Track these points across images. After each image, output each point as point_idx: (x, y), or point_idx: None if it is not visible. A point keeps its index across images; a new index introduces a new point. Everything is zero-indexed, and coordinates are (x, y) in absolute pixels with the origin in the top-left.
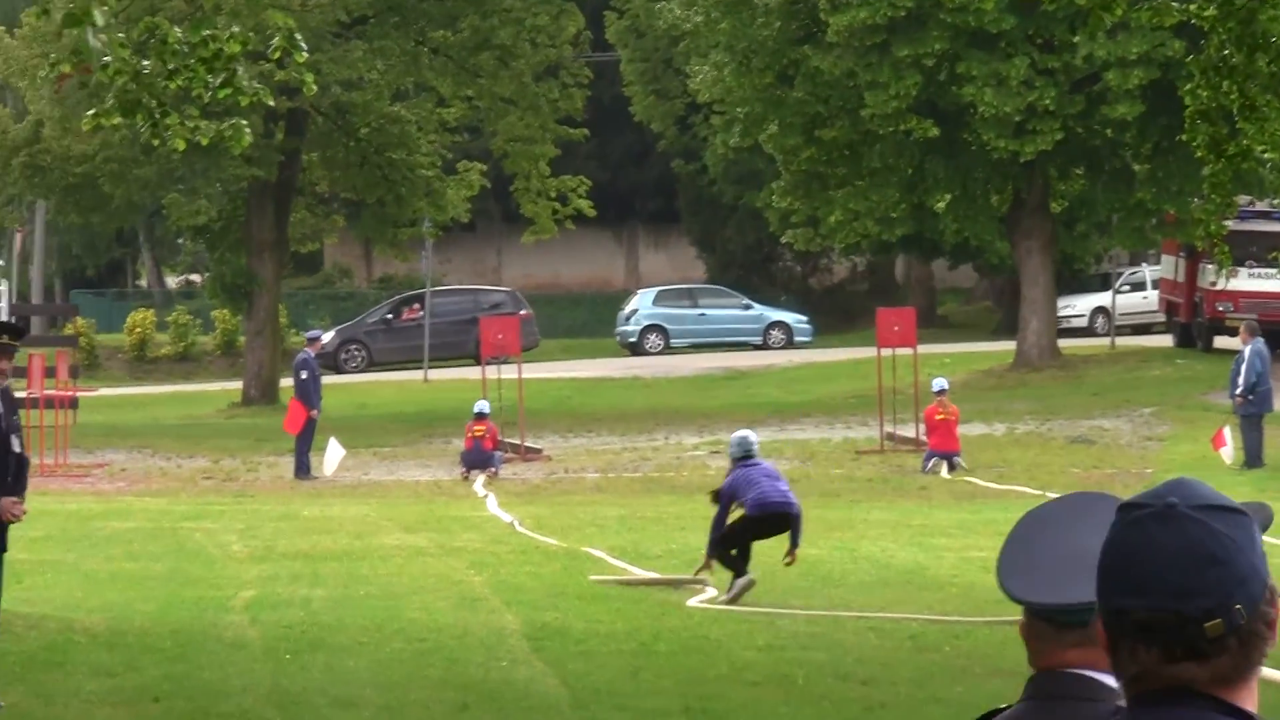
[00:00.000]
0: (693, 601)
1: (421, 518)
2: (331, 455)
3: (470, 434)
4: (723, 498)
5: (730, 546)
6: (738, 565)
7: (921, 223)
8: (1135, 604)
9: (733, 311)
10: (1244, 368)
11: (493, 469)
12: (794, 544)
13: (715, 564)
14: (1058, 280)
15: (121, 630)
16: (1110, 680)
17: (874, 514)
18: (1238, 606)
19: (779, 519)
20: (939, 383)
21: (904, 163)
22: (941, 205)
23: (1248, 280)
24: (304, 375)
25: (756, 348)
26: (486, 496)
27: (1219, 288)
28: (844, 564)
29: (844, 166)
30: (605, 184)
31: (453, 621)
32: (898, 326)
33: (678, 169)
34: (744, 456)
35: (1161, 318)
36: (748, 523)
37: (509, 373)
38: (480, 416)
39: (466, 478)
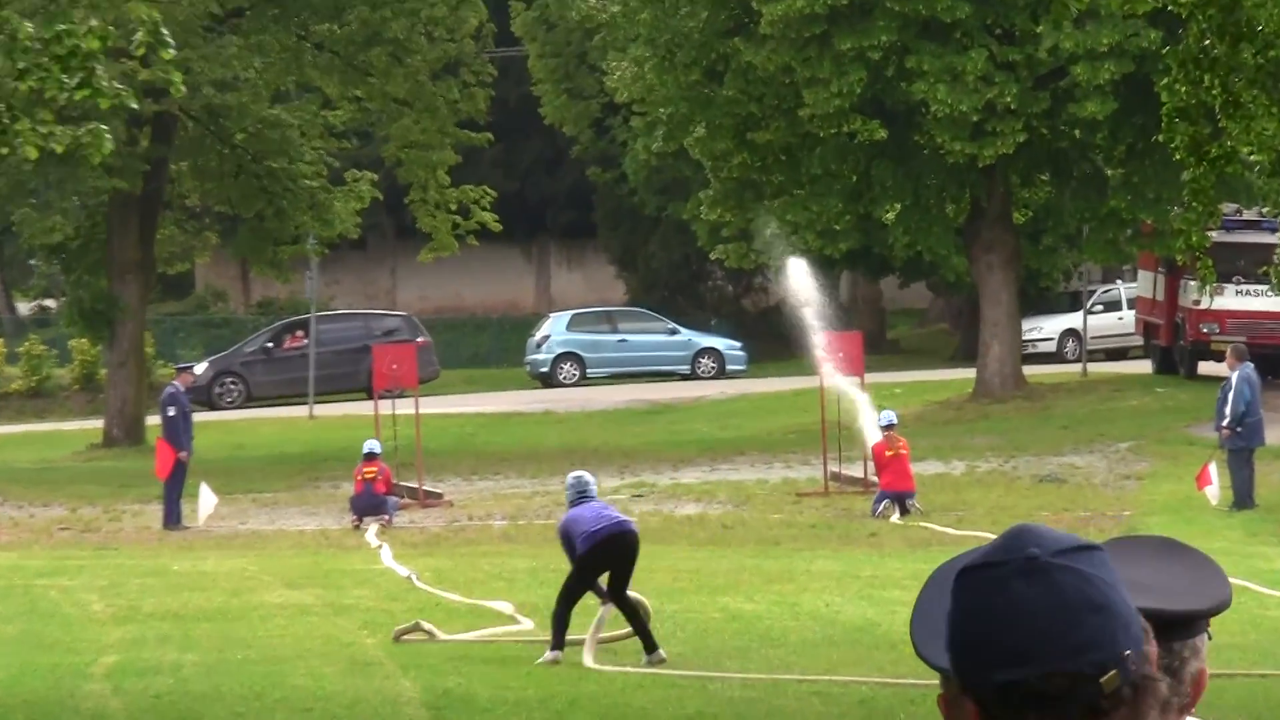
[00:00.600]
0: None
1: (307, 572)
2: (204, 502)
3: (360, 477)
4: (565, 548)
5: (575, 599)
6: (560, 634)
7: (869, 235)
8: (1023, 674)
9: (657, 337)
10: (1231, 396)
11: (386, 516)
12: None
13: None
14: (1022, 300)
15: None
16: None
17: (818, 564)
18: (1127, 652)
19: (613, 540)
20: (886, 416)
21: (848, 169)
22: (890, 216)
23: (1235, 298)
24: (172, 412)
25: (684, 377)
26: (380, 547)
27: (1203, 307)
28: (784, 621)
29: (781, 173)
30: (512, 195)
31: (342, 689)
32: (842, 353)
33: (594, 177)
34: (579, 499)
35: (1139, 341)
36: (582, 562)
37: (405, 407)
38: (371, 457)
39: (358, 526)
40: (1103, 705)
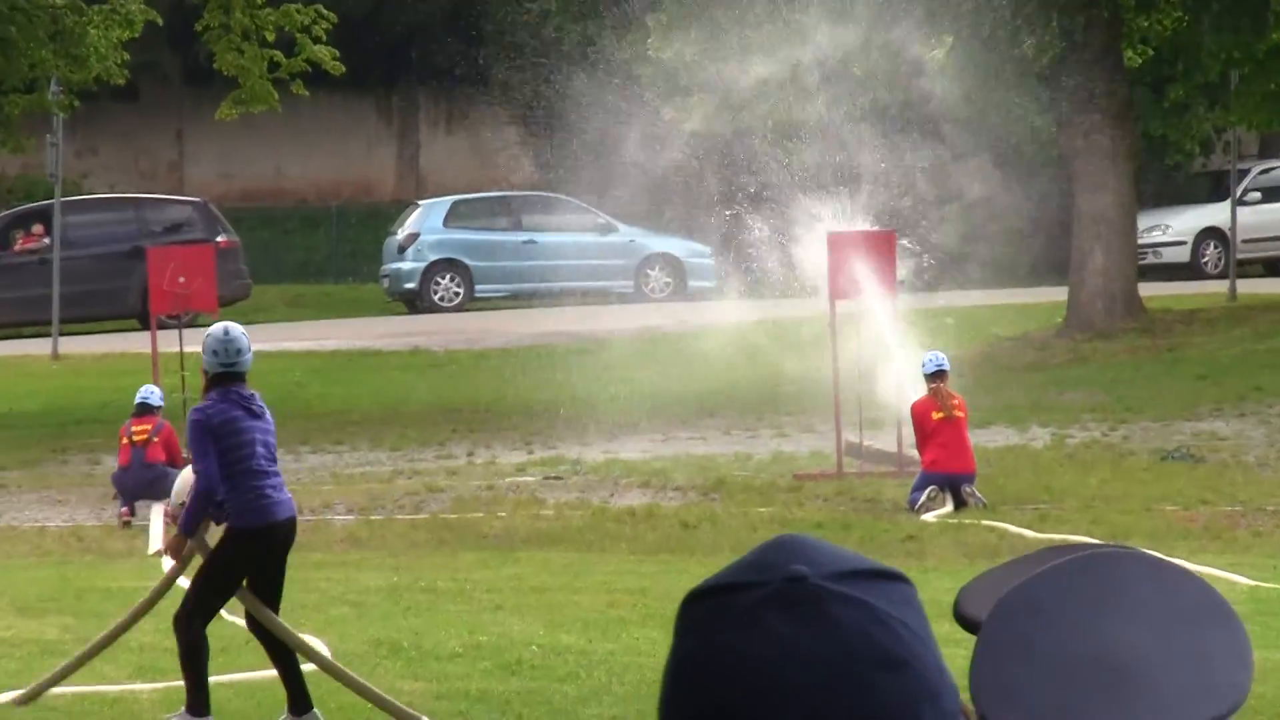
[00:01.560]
0: None
1: (50, 591)
2: None
3: (127, 439)
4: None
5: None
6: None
7: None
8: None
9: (583, 237)
10: None
11: (169, 503)
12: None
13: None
14: (1139, 184)
15: None
16: None
17: None
18: None
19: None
20: (933, 359)
21: None
22: (939, 55)
23: None
24: None
25: (625, 298)
26: (162, 553)
27: None
28: None
29: None
30: (362, 19)
31: None
32: (863, 262)
33: None
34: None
35: None
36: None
37: (198, 341)
38: (145, 410)
39: (128, 520)
40: None
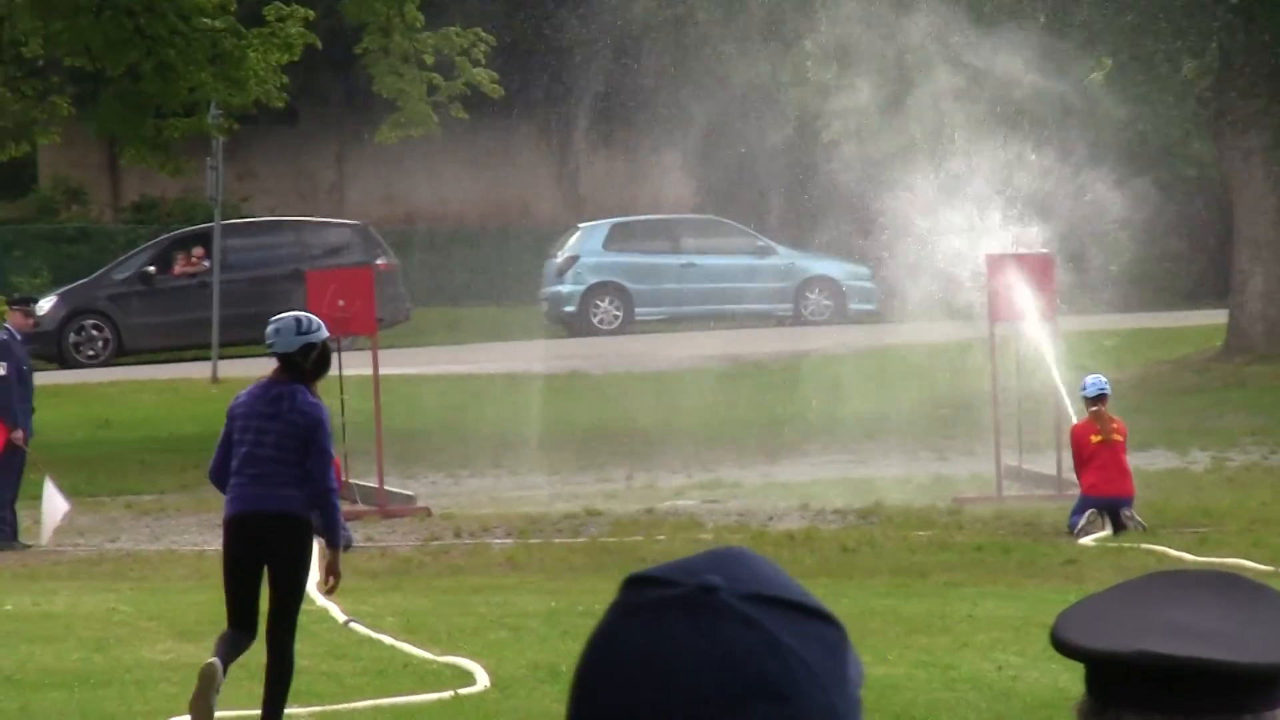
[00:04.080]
0: None
1: (211, 615)
2: (52, 508)
3: None
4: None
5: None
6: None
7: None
8: None
9: (743, 260)
10: None
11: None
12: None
13: None
14: None
15: None
16: None
17: (985, 606)
18: None
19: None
20: (1094, 383)
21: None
22: (1097, 76)
23: None
24: (2, 370)
25: (784, 322)
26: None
27: None
28: (934, 691)
29: None
30: (522, 42)
31: None
32: (1022, 284)
33: (651, 16)
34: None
35: None
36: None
37: (358, 365)
38: None
39: None
40: None
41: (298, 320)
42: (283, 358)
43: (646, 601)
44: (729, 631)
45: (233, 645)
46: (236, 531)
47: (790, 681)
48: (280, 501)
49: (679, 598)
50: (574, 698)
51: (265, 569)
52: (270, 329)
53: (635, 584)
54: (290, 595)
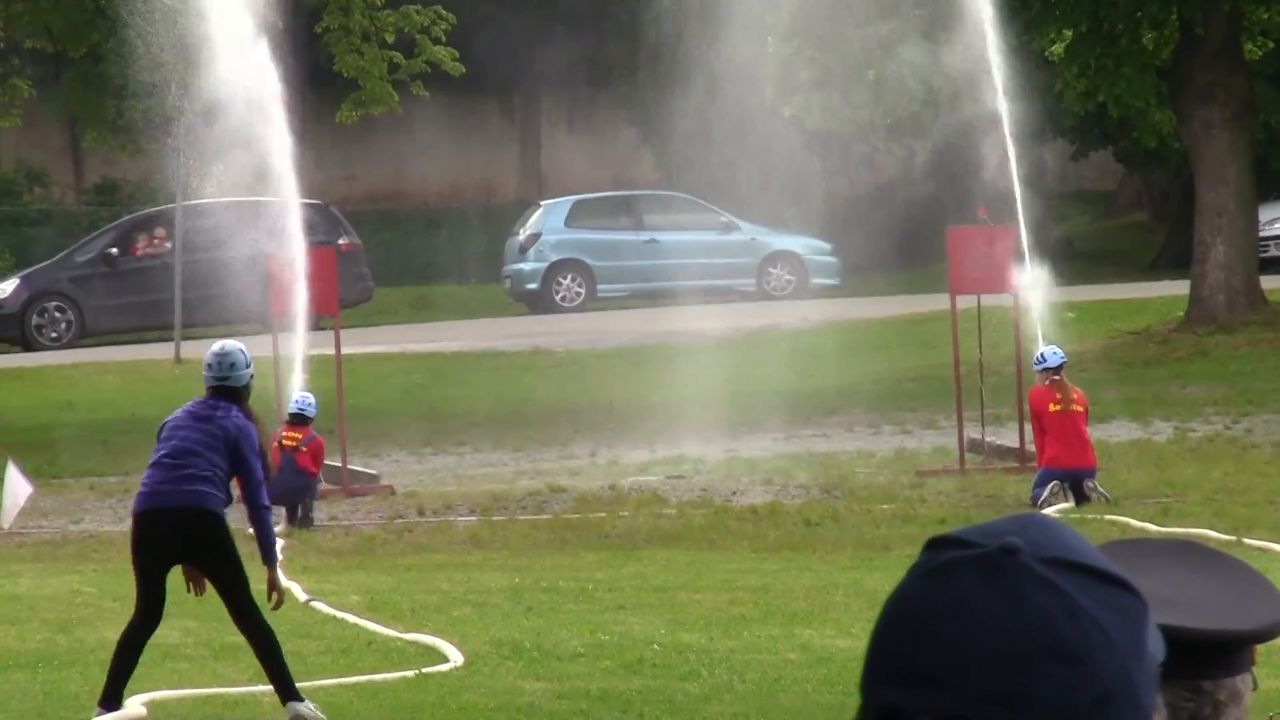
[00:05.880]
0: None
1: (173, 594)
2: (13, 491)
3: (278, 442)
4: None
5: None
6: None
7: (1026, 78)
8: (914, 702)
9: (705, 236)
10: None
11: (306, 502)
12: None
13: None
14: (1261, 175)
15: None
16: None
17: None
18: None
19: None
20: (1051, 354)
21: None
22: (1058, 49)
23: None
24: None
25: (746, 297)
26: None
27: None
28: None
29: None
30: (482, 21)
31: None
32: (984, 257)
33: None
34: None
35: None
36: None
37: (320, 344)
38: (302, 421)
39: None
40: None
41: (241, 351)
42: (228, 389)
43: (946, 562)
44: (1027, 593)
45: (135, 641)
46: (145, 525)
47: (1085, 646)
48: (192, 496)
49: (979, 558)
50: (871, 655)
51: (176, 560)
52: (221, 360)
53: (936, 545)
54: (235, 583)
